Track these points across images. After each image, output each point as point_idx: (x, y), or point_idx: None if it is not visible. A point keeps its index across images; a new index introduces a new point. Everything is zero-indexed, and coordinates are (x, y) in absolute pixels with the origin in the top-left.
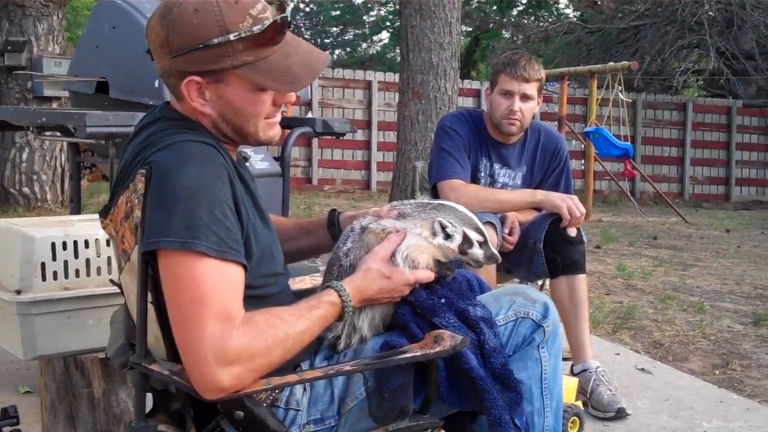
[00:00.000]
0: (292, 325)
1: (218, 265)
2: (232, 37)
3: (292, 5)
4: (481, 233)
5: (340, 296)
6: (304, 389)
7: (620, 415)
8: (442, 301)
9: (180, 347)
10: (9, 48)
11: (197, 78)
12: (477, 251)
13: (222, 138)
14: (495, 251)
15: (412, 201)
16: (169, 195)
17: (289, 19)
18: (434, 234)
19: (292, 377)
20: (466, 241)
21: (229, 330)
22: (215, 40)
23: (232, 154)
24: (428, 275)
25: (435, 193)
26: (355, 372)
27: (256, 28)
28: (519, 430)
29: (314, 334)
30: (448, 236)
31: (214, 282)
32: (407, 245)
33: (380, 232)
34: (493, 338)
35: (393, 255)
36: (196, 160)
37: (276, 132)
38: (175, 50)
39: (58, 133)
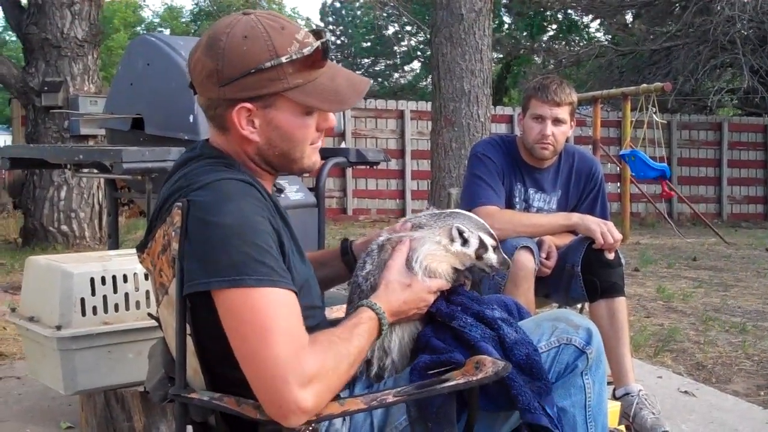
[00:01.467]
0: (349, 342)
1: (273, 293)
2: (284, 59)
3: (328, 33)
4: (494, 238)
5: (374, 311)
6: (344, 419)
7: None
8: (459, 308)
9: (253, 378)
10: (46, 88)
11: (248, 105)
12: (492, 256)
13: (265, 167)
14: (506, 257)
15: (425, 212)
16: (212, 235)
17: (329, 43)
18: (452, 240)
19: (357, 403)
20: (482, 245)
21: (301, 350)
22: (267, 64)
23: (268, 187)
24: (444, 284)
25: None
26: (398, 402)
27: (306, 50)
28: (550, 418)
29: (366, 349)
30: (465, 241)
31: (274, 309)
32: (424, 253)
33: (392, 245)
34: (513, 333)
35: (410, 264)
36: (234, 197)
37: (318, 158)
38: (226, 78)
39: (96, 170)
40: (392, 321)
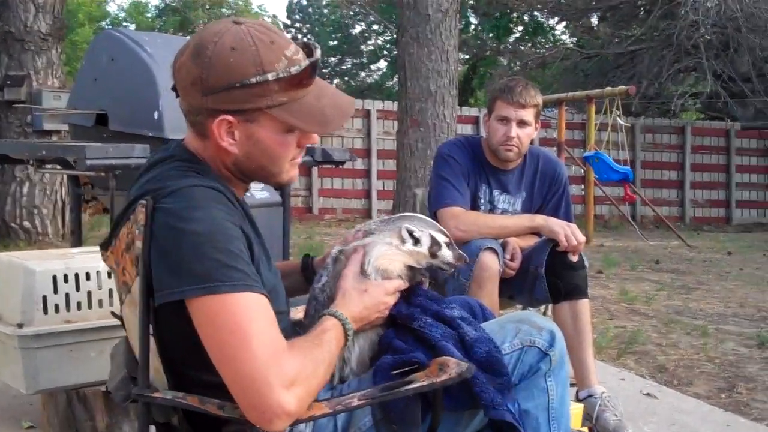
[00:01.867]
0: (321, 347)
1: (248, 297)
2: (270, 77)
3: (319, 49)
4: (446, 235)
5: (336, 317)
6: (306, 423)
7: None
8: (418, 309)
9: (233, 383)
10: (8, 82)
11: (229, 117)
12: (446, 252)
13: (240, 176)
14: (461, 252)
15: (376, 219)
16: (182, 243)
17: (319, 61)
18: (403, 241)
19: (322, 408)
20: (435, 243)
21: (281, 353)
22: (253, 80)
23: (240, 193)
24: (400, 284)
25: (435, 221)
26: (363, 406)
27: (293, 69)
28: (513, 415)
29: (336, 356)
30: (416, 241)
31: (251, 313)
32: (375, 255)
33: (346, 255)
34: (473, 331)
35: (363, 269)
36: (204, 204)
37: (296, 173)
38: (210, 88)
39: (59, 166)
40: (356, 328)
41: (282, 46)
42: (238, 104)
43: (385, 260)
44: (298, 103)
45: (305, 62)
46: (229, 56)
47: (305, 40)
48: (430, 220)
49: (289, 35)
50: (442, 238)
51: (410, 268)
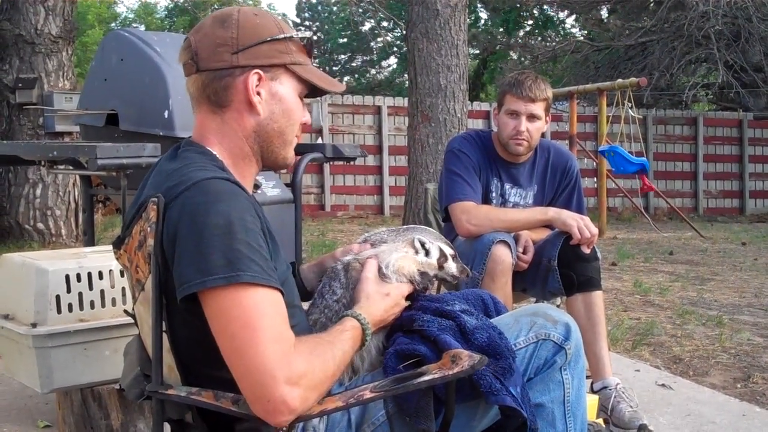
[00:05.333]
0: (334, 345)
1: (263, 292)
2: (292, 34)
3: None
4: (452, 248)
5: (358, 320)
6: (320, 417)
7: (642, 431)
8: (419, 312)
9: (240, 376)
10: (20, 85)
11: (260, 72)
12: (452, 264)
13: (255, 151)
14: (465, 266)
15: (382, 229)
16: (203, 235)
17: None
18: (416, 251)
19: (335, 402)
20: (442, 255)
21: (289, 349)
22: (279, 36)
23: (248, 187)
24: (411, 287)
25: (446, 216)
26: (376, 399)
27: (304, 37)
28: (514, 398)
29: (350, 356)
30: (427, 252)
31: (263, 308)
32: (395, 258)
33: (359, 263)
34: (472, 320)
35: (381, 273)
36: (224, 197)
37: (293, 156)
38: (242, 45)
39: (70, 167)
40: (374, 330)
41: (289, 26)
42: (267, 59)
43: (404, 263)
44: (308, 67)
45: (307, 34)
46: (255, 18)
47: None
48: (436, 232)
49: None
50: (449, 251)
51: (422, 274)
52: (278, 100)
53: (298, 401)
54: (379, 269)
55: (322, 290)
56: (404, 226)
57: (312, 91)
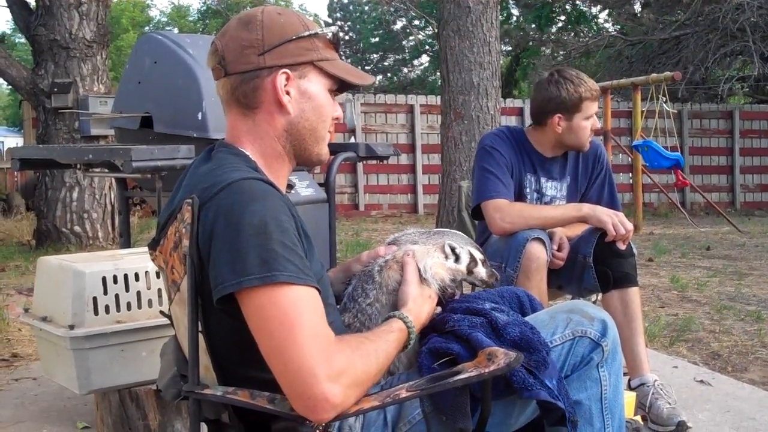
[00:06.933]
0: (377, 344)
1: (300, 290)
2: (317, 31)
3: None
4: (482, 252)
5: (405, 323)
6: (357, 416)
7: (681, 428)
8: (449, 313)
9: (280, 374)
10: (55, 90)
11: (288, 71)
12: (481, 269)
13: (287, 150)
14: (494, 270)
15: (411, 230)
16: (239, 236)
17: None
18: (446, 256)
19: (371, 401)
20: (473, 260)
21: (329, 346)
22: (305, 33)
23: (282, 187)
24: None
25: (475, 213)
26: (412, 398)
27: (329, 33)
28: (550, 390)
29: (393, 357)
30: (457, 257)
31: (300, 306)
32: (431, 263)
33: (396, 261)
34: (504, 316)
35: (422, 276)
36: (258, 197)
37: (327, 150)
38: (268, 45)
39: (106, 170)
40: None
41: (313, 23)
42: (293, 57)
43: (440, 269)
44: (336, 62)
45: (333, 28)
46: (279, 18)
47: (322, 24)
48: (466, 236)
49: None
50: (478, 256)
51: (452, 279)
52: (308, 97)
53: (339, 397)
54: (420, 272)
55: (354, 293)
56: (434, 229)
57: (341, 85)
